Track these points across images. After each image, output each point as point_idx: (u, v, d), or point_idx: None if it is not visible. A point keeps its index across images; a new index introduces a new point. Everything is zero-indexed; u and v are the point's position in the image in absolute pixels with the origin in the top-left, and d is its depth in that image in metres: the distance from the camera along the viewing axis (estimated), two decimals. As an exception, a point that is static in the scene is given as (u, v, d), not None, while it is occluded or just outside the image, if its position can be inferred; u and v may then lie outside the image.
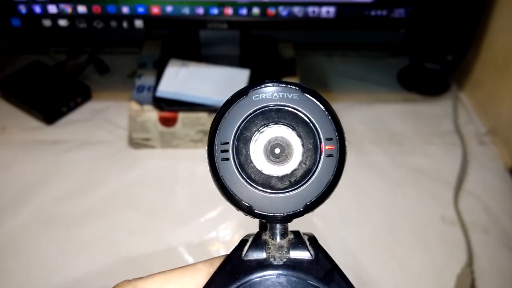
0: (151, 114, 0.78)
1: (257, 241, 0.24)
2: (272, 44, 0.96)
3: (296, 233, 0.25)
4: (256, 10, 0.77)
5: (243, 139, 0.23)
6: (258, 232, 0.25)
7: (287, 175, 0.23)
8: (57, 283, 0.64)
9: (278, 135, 0.23)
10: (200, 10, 0.77)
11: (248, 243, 0.24)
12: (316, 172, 0.23)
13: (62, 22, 0.78)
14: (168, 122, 0.79)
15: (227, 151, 0.23)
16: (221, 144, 0.23)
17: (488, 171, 0.81)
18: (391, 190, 0.77)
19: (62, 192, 0.75)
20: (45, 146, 0.81)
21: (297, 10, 0.77)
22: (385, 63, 1.03)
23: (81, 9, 0.76)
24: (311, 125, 0.23)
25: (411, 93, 0.96)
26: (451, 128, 0.88)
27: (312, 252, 0.24)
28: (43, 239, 0.69)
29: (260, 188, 0.23)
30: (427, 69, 0.94)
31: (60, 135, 0.83)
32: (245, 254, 0.24)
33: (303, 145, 0.23)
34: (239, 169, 0.23)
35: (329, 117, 0.23)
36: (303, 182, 0.23)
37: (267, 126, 0.23)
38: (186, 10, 0.77)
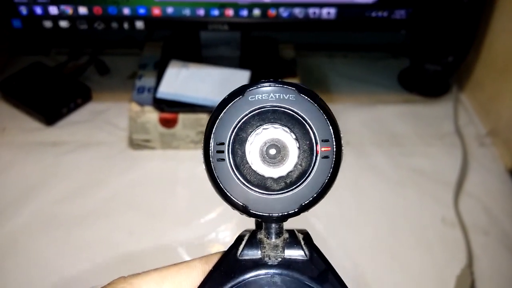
0: (152, 115, 0.78)
1: (252, 240, 0.25)
2: (273, 45, 0.96)
3: (291, 232, 0.25)
4: (256, 11, 0.77)
5: (239, 140, 0.23)
6: (253, 230, 0.25)
7: (282, 176, 0.23)
8: (57, 284, 0.64)
9: (274, 137, 0.23)
10: (201, 12, 0.77)
11: (244, 242, 0.25)
12: (312, 174, 0.23)
13: (63, 23, 0.78)
14: (168, 123, 0.79)
15: (222, 151, 0.23)
16: (216, 144, 0.23)
17: (489, 172, 0.81)
18: (391, 191, 0.77)
19: (62, 193, 0.75)
20: (45, 147, 0.81)
21: (297, 11, 0.77)
22: (386, 64, 1.03)
23: (82, 10, 0.76)
24: (307, 126, 0.23)
25: (411, 94, 0.96)
26: (451, 129, 0.88)
27: (307, 252, 0.24)
28: (43, 240, 0.69)
29: (255, 189, 0.23)
30: (428, 70, 0.94)
31: (60, 136, 0.83)
32: (240, 253, 0.24)
33: (299, 148, 0.23)
34: (235, 170, 0.23)
35: (326, 118, 0.23)
36: (298, 184, 0.23)
37: (263, 127, 0.23)
38: (187, 11, 0.77)
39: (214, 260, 0.24)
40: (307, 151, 0.23)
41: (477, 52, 0.91)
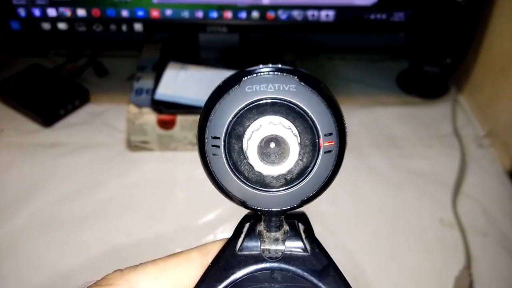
0: (150, 117, 0.78)
1: (252, 233, 0.24)
2: (272, 48, 0.96)
3: (292, 224, 0.24)
4: (255, 14, 0.77)
5: (235, 134, 0.22)
6: (252, 221, 0.24)
7: (282, 174, 0.22)
8: (56, 284, 0.63)
9: (273, 133, 0.21)
10: (200, 14, 0.77)
11: (243, 235, 0.24)
12: (314, 170, 0.22)
13: (61, 25, 0.78)
14: (166, 125, 0.79)
15: (218, 146, 0.22)
16: (212, 138, 0.22)
17: (487, 174, 0.81)
18: (390, 193, 0.77)
19: (60, 195, 0.74)
20: (43, 149, 0.81)
21: (296, 13, 0.78)
22: (385, 66, 1.03)
23: (81, 12, 0.76)
24: (309, 120, 0.22)
25: (410, 96, 0.96)
26: (450, 131, 0.88)
27: (308, 246, 0.23)
28: (42, 241, 0.69)
29: (254, 186, 0.22)
30: (426, 72, 0.94)
31: (58, 138, 0.83)
32: (239, 247, 0.23)
33: (300, 143, 0.22)
34: (232, 166, 0.22)
35: (329, 109, 0.22)
36: (299, 181, 0.22)
37: (261, 122, 0.22)
38: (185, 14, 0.77)
39: (213, 252, 0.24)
40: (309, 146, 0.22)
41: (475, 54, 0.91)
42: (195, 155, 0.81)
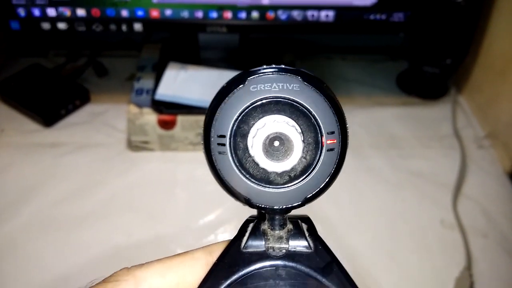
0: (150, 117, 0.78)
1: (256, 231, 0.24)
2: (271, 48, 0.96)
3: (295, 223, 0.25)
4: (255, 14, 0.77)
5: (240, 132, 0.22)
6: (257, 221, 0.25)
7: (286, 170, 0.23)
8: (56, 284, 0.63)
9: (277, 130, 0.22)
10: (199, 14, 0.77)
11: (247, 234, 0.24)
12: (317, 167, 0.23)
13: (61, 25, 0.78)
14: (167, 125, 0.79)
15: (224, 144, 0.22)
16: (217, 136, 0.22)
17: (487, 175, 0.81)
18: (390, 194, 0.77)
19: (60, 195, 0.74)
20: (43, 148, 0.81)
21: (296, 13, 0.78)
22: (384, 66, 1.03)
23: (80, 12, 0.76)
24: (312, 118, 0.22)
25: (410, 96, 0.96)
26: (450, 132, 0.88)
27: (311, 244, 0.24)
28: (42, 241, 0.69)
29: (258, 183, 0.23)
30: (426, 73, 0.94)
31: (58, 137, 0.83)
32: (244, 245, 0.24)
33: (303, 141, 0.22)
34: (237, 163, 0.23)
35: (331, 108, 0.22)
36: (303, 178, 0.23)
37: (265, 120, 0.22)
38: (185, 14, 0.77)
39: (218, 251, 0.24)
40: (312, 143, 0.23)
41: (475, 55, 0.91)
42: (196, 155, 0.81)
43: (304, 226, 0.25)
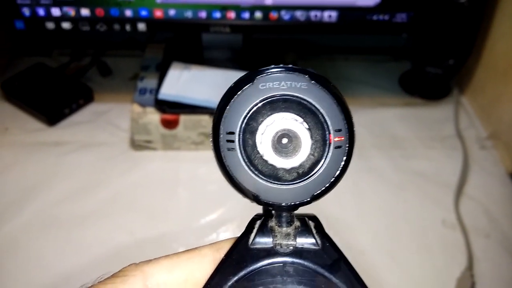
0: (153, 117, 0.79)
1: (264, 228, 0.24)
2: (274, 48, 0.96)
3: (302, 220, 0.25)
4: (258, 14, 0.78)
5: (249, 129, 0.23)
6: (264, 218, 0.25)
7: (295, 167, 0.23)
8: (58, 283, 0.64)
9: (286, 127, 0.23)
10: (203, 14, 0.77)
11: (255, 230, 0.24)
12: (325, 164, 0.23)
13: (66, 25, 0.78)
14: (170, 124, 0.79)
15: (233, 141, 0.23)
16: (226, 133, 0.23)
17: (489, 175, 0.81)
18: (392, 194, 0.77)
19: (63, 194, 0.75)
20: (47, 147, 0.81)
21: (299, 14, 0.78)
22: (387, 67, 1.03)
23: (85, 12, 0.76)
24: (320, 116, 0.23)
25: (413, 97, 0.96)
26: (452, 132, 0.88)
27: (319, 240, 0.24)
28: (44, 240, 0.69)
29: (267, 179, 0.23)
30: (429, 73, 0.94)
31: (62, 136, 0.84)
32: (251, 242, 0.24)
33: (311, 137, 0.23)
34: (246, 160, 0.23)
35: (339, 107, 0.23)
36: (310, 174, 0.23)
37: (274, 117, 0.23)
38: (189, 14, 0.77)
39: (225, 248, 0.24)
40: (320, 141, 0.23)
41: (478, 55, 0.91)
42: (198, 154, 0.81)
43: (311, 224, 0.25)
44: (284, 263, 0.23)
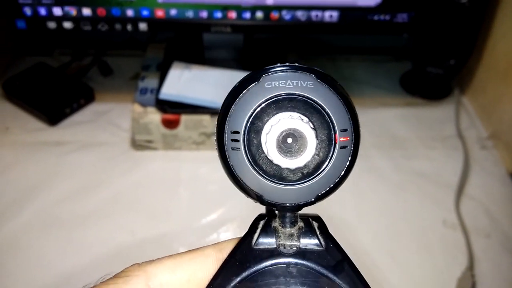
0: (154, 116, 0.79)
1: (267, 229, 0.24)
2: (275, 48, 0.96)
3: (306, 221, 0.24)
4: (259, 14, 0.78)
5: (254, 129, 0.22)
6: (268, 218, 0.24)
7: (299, 167, 0.23)
8: (59, 283, 0.64)
9: (291, 127, 0.22)
10: (204, 14, 0.78)
11: (258, 230, 0.24)
12: (330, 164, 0.23)
13: (67, 25, 0.78)
14: (170, 124, 0.79)
15: (237, 140, 0.22)
16: (231, 132, 0.22)
17: (490, 175, 0.81)
18: (392, 194, 0.77)
19: (64, 193, 0.75)
20: (48, 147, 0.82)
21: (300, 14, 0.78)
22: (388, 67, 1.03)
23: (86, 11, 0.77)
24: (326, 115, 0.22)
25: (413, 97, 0.96)
26: (453, 133, 0.88)
27: (322, 241, 0.24)
28: (45, 239, 0.69)
29: (271, 179, 0.23)
30: (430, 74, 0.94)
31: (63, 136, 0.84)
32: (255, 242, 0.24)
33: (317, 137, 0.22)
34: (250, 159, 0.23)
35: (345, 106, 0.22)
36: (315, 175, 0.23)
37: (280, 116, 0.22)
38: (190, 14, 0.77)
39: (228, 248, 0.24)
40: (325, 141, 0.23)
41: (479, 55, 0.91)
42: (199, 154, 0.81)
43: (315, 224, 0.24)
44: (288, 264, 0.23)
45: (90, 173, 0.79)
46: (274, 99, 0.22)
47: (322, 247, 0.24)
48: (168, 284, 0.23)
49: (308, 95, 0.22)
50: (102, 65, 0.98)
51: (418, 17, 0.79)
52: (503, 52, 0.86)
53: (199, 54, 0.89)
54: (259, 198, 0.23)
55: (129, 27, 0.79)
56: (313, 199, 0.23)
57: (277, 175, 0.23)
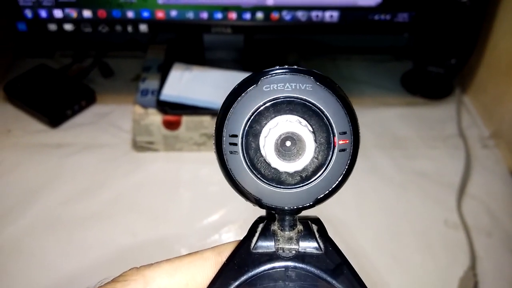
0: (155, 118, 0.79)
1: (266, 232, 0.24)
2: (276, 48, 0.96)
3: (305, 224, 0.24)
4: (260, 15, 0.78)
5: (252, 132, 0.22)
6: (267, 221, 0.24)
7: (298, 171, 0.22)
8: (60, 286, 0.64)
9: (290, 130, 0.22)
10: (204, 15, 0.78)
11: (257, 234, 0.24)
12: (329, 168, 0.22)
13: (68, 26, 0.78)
14: (171, 125, 0.79)
15: (236, 144, 0.22)
16: (229, 136, 0.22)
17: (492, 174, 0.81)
18: (394, 194, 0.77)
19: (66, 195, 0.75)
20: (49, 149, 0.82)
21: (300, 14, 0.78)
22: (389, 67, 1.03)
23: (87, 13, 0.77)
24: (325, 118, 0.22)
25: (414, 96, 0.96)
26: (454, 132, 0.88)
27: (322, 245, 0.24)
28: (47, 241, 0.69)
29: (270, 183, 0.23)
30: (431, 73, 0.94)
31: (64, 138, 0.84)
32: (254, 246, 0.23)
33: (315, 141, 0.22)
34: (248, 163, 0.22)
35: (344, 109, 0.22)
36: (314, 178, 0.23)
37: (278, 119, 0.22)
38: (190, 15, 0.77)
39: (227, 251, 0.24)
40: (324, 144, 0.22)
41: (480, 55, 0.91)
42: (200, 155, 0.81)
43: (315, 227, 0.24)
44: (287, 267, 0.23)
45: (91, 175, 0.79)
46: (273, 102, 0.22)
47: (321, 250, 0.23)
48: None
49: (306, 98, 0.22)
50: (103, 67, 0.98)
51: (419, 17, 0.79)
52: (504, 51, 0.86)
53: (199, 55, 0.89)
54: (257, 202, 0.23)
55: (129, 28, 0.79)
56: (312, 203, 0.23)
57: (276, 178, 0.23)
